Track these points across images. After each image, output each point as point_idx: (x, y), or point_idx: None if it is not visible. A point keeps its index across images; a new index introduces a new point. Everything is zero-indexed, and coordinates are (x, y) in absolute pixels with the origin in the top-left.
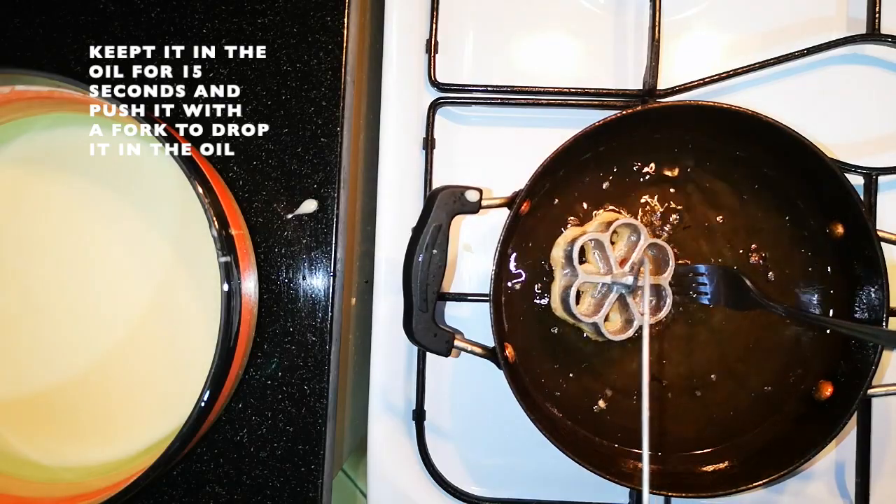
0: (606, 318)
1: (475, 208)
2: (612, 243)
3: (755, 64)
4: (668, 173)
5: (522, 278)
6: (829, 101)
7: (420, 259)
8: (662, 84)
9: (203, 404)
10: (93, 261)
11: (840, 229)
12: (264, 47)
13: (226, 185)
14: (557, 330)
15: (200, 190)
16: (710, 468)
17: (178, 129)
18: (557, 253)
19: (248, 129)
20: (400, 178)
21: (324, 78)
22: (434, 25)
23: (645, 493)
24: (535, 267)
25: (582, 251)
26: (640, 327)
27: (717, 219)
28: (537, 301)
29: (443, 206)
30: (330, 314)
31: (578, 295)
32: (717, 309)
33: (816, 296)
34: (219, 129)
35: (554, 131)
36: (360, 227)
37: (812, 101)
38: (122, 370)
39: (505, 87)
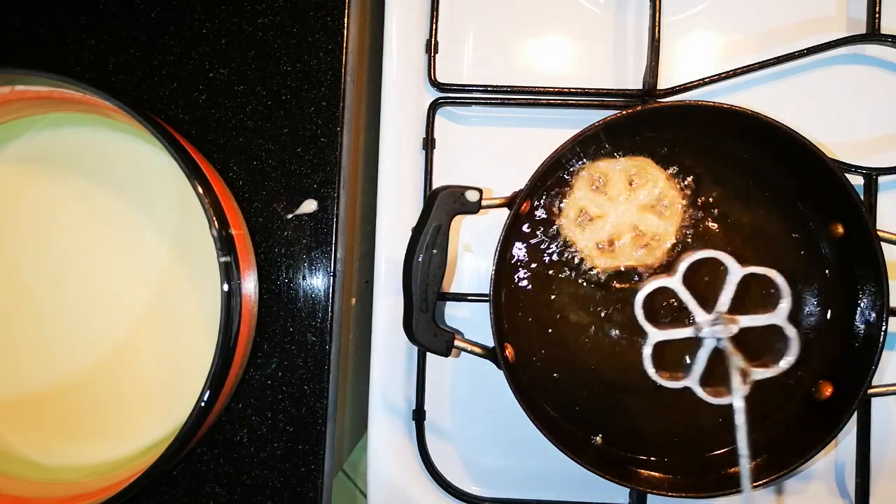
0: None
1: (475, 208)
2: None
3: (755, 64)
4: (675, 178)
5: (523, 278)
6: (829, 101)
7: (420, 259)
8: (662, 84)
9: (203, 404)
10: (93, 261)
11: (840, 229)
12: (264, 47)
13: (226, 185)
14: (557, 330)
15: (200, 190)
16: (710, 469)
17: (178, 129)
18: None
19: (249, 129)
20: (400, 178)
21: (324, 78)
22: (434, 25)
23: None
24: (535, 266)
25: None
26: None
27: (718, 220)
28: (537, 300)
29: (443, 206)
30: (330, 314)
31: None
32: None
33: (817, 295)
34: (218, 129)
35: (554, 131)
36: (360, 227)
37: (812, 101)
38: (122, 370)
39: (505, 87)
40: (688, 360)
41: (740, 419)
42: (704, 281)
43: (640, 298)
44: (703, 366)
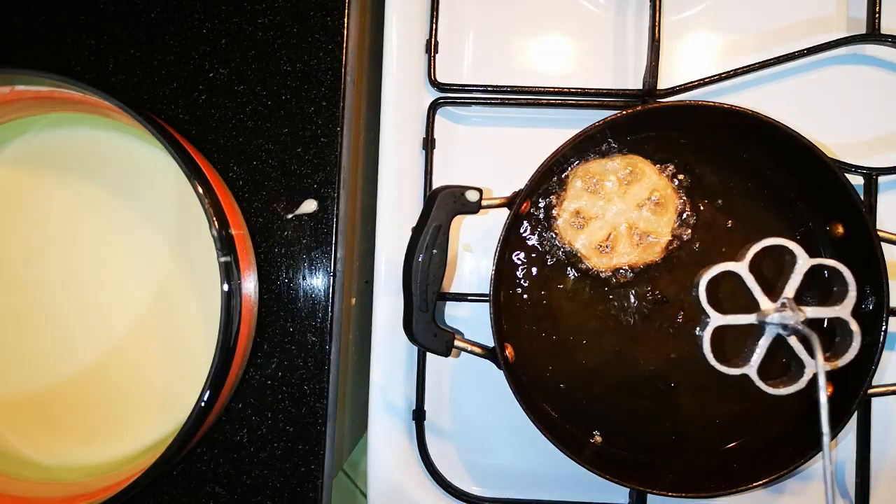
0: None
1: (475, 208)
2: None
3: (755, 64)
4: (667, 174)
5: (522, 277)
6: (829, 101)
7: (420, 259)
8: (662, 84)
9: (203, 404)
10: (93, 261)
11: (840, 229)
12: (264, 47)
13: (226, 185)
14: (557, 329)
15: (200, 190)
16: (710, 469)
17: (178, 129)
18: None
19: (249, 129)
20: (400, 178)
21: (324, 78)
22: (434, 25)
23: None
24: (534, 266)
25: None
26: (813, 378)
27: (717, 219)
28: (537, 300)
29: (443, 206)
30: (330, 314)
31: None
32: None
33: (817, 296)
34: (218, 129)
35: (554, 131)
36: (360, 227)
37: (812, 101)
38: (122, 370)
39: (505, 87)
40: (747, 349)
41: (823, 397)
42: (757, 272)
43: (704, 281)
44: (764, 354)
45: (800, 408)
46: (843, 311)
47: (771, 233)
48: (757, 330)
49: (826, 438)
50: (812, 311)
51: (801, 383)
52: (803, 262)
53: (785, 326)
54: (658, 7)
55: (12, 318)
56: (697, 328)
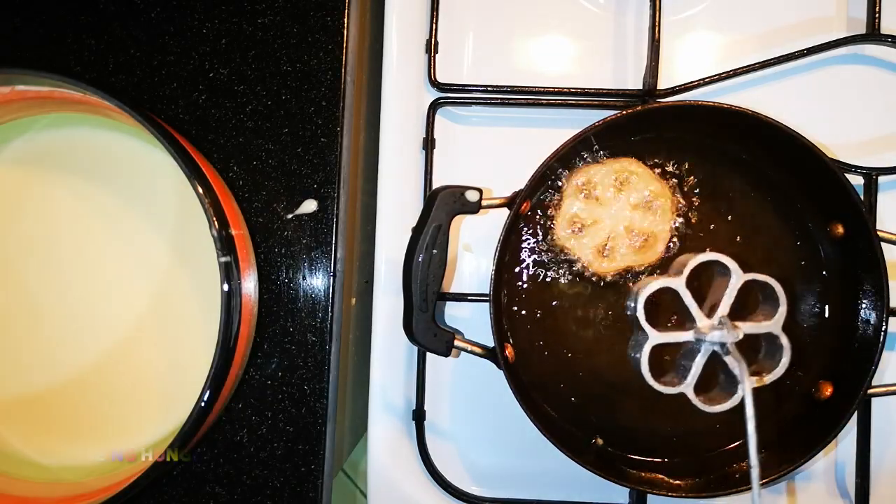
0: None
1: (475, 208)
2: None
3: (755, 64)
4: (667, 175)
5: (523, 278)
6: (829, 101)
7: (420, 259)
8: (662, 84)
9: (203, 404)
10: (93, 261)
11: (840, 229)
12: (264, 47)
13: (226, 184)
14: (557, 330)
15: (200, 190)
16: (710, 469)
17: (178, 129)
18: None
19: (249, 129)
20: (400, 178)
21: (324, 78)
22: (434, 25)
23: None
24: (534, 266)
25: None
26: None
27: (718, 219)
28: (537, 301)
29: (443, 206)
30: (330, 314)
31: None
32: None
33: (816, 296)
34: (218, 129)
35: (554, 131)
36: (360, 227)
37: (812, 101)
38: (122, 370)
39: (505, 87)
40: (683, 366)
41: (751, 427)
42: (695, 285)
43: (642, 298)
44: (699, 372)
45: (800, 408)
46: (775, 326)
47: (770, 233)
48: (694, 347)
49: (755, 471)
50: (748, 327)
51: (735, 400)
52: (737, 277)
53: (722, 344)
54: (658, 7)
55: (12, 318)
56: (633, 348)
